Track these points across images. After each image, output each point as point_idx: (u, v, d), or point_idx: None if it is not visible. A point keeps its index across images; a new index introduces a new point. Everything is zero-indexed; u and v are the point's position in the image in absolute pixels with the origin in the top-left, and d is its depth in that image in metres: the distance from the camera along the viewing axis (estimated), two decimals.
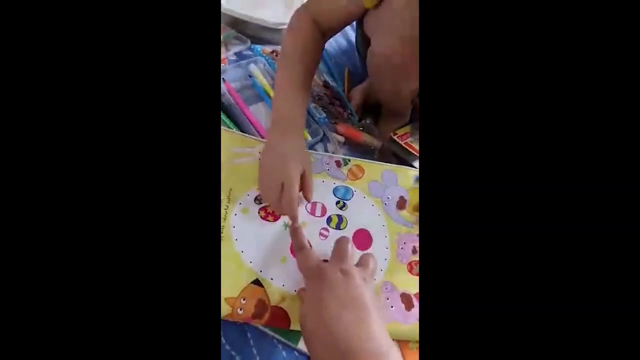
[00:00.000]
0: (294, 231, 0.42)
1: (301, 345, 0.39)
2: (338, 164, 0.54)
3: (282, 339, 0.39)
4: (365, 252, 0.47)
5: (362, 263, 0.39)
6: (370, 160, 0.56)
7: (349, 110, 0.65)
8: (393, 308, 0.44)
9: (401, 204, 0.53)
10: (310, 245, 0.44)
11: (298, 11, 0.55)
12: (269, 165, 0.46)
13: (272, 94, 0.61)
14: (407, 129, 0.64)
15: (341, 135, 0.61)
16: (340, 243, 0.40)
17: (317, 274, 0.35)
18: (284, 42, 0.55)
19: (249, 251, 0.43)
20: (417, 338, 0.43)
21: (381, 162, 0.57)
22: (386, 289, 0.45)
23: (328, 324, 0.30)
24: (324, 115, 0.62)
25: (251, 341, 0.39)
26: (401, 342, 0.43)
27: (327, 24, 0.55)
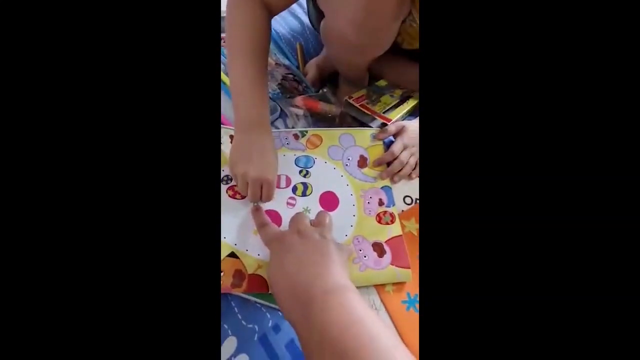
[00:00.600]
0: (255, 211, 0.46)
1: None
2: (296, 136, 0.57)
3: (265, 302, 0.43)
4: (333, 211, 0.50)
5: (317, 221, 0.42)
6: (327, 128, 0.59)
7: (304, 84, 0.67)
8: (366, 258, 0.47)
9: (362, 162, 0.56)
10: (281, 220, 0.48)
11: None
12: (246, 167, 0.46)
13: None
14: (363, 91, 0.66)
15: (299, 107, 0.63)
16: (294, 216, 0.42)
17: (277, 241, 0.39)
18: (229, 28, 0.50)
19: (222, 228, 0.46)
20: (392, 280, 0.47)
21: (337, 128, 0.59)
22: (357, 241, 0.48)
23: (288, 281, 0.33)
24: (278, 91, 0.64)
25: (235, 309, 0.42)
26: (378, 287, 0.47)
27: (275, 3, 0.51)
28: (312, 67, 0.71)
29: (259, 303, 0.43)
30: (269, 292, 0.42)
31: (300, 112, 0.63)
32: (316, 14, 0.67)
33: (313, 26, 0.77)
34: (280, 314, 0.43)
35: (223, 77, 0.63)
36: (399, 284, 0.47)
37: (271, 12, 0.52)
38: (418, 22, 0.53)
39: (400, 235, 0.50)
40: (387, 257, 0.48)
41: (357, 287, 0.44)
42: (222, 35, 0.61)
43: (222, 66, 0.64)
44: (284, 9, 0.55)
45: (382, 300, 0.46)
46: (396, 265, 0.47)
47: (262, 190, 0.47)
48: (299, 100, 0.63)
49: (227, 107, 0.59)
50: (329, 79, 0.71)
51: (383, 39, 0.52)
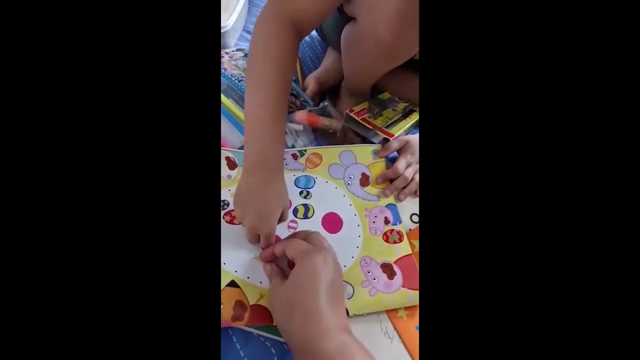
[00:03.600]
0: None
1: None
2: (295, 156, 0.54)
3: (269, 335, 0.40)
4: (337, 233, 0.48)
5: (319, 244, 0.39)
6: (326, 146, 0.57)
7: (302, 97, 0.65)
8: (376, 280, 0.44)
9: (364, 180, 0.53)
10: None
11: (265, 17, 0.44)
12: (243, 213, 0.42)
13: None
14: (365, 104, 0.64)
15: (299, 123, 0.60)
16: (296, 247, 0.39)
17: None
18: (255, 57, 0.43)
19: (221, 254, 0.43)
20: (405, 304, 0.44)
21: (337, 145, 0.57)
22: (365, 263, 0.46)
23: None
24: None
25: (237, 345, 0.39)
26: (390, 313, 0.44)
27: (309, 22, 0.45)
28: (311, 81, 0.69)
29: (262, 336, 0.40)
30: (273, 323, 0.39)
31: (300, 127, 0.61)
32: (335, 22, 0.62)
33: (323, 37, 0.75)
34: (285, 347, 0.40)
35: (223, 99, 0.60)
36: (412, 308, 0.44)
37: (301, 34, 0.45)
38: None
39: (410, 255, 0.47)
40: (398, 278, 0.45)
41: (368, 314, 0.43)
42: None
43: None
44: (316, 26, 0.49)
45: (395, 328, 0.43)
46: (408, 288, 0.44)
47: (260, 236, 0.43)
48: (298, 115, 0.61)
49: (225, 129, 0.57)
50: (329, 93, 0.69)
51: (417, 42, 0.48)
